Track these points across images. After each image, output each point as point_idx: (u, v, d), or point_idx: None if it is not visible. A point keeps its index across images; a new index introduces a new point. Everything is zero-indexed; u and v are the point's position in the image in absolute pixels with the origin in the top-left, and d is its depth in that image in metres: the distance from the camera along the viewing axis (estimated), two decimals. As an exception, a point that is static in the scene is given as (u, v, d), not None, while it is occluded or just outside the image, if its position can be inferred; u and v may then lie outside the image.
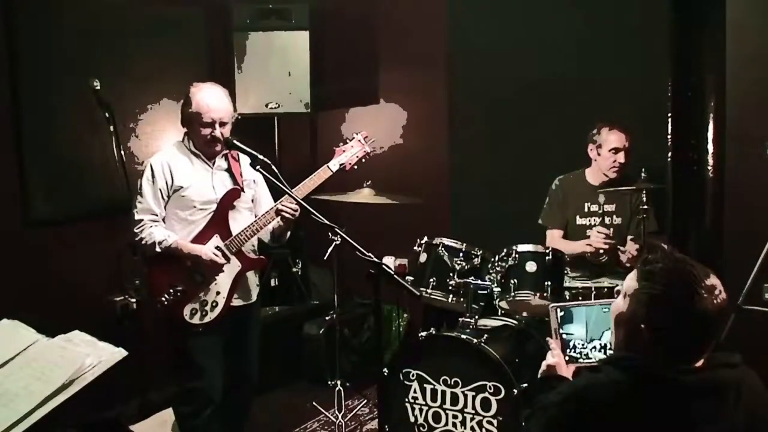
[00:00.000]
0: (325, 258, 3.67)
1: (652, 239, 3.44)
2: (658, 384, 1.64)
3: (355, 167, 3.30)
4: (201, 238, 3.03)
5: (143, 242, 2.99)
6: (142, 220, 3.00)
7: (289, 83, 4.57)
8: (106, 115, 3.64)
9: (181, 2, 4.44)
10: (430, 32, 4.69)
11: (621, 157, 3.68)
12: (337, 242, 3.46)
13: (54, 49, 3.79)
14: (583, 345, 2.18)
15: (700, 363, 1.68)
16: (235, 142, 2.98)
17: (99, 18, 3.98)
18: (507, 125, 4.39)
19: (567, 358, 2.17)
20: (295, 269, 4.74)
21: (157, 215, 3.02)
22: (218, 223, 3.05)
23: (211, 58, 4.51)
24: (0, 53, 3.61)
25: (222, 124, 3.03)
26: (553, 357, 2.17)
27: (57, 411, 1.69)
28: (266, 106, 4.59)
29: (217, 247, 3.00)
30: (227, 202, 3.07)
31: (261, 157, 2.79)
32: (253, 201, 3.21)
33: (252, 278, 3.20)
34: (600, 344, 2.17)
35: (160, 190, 3.01)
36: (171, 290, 2.94)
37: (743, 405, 1.64)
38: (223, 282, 3.04)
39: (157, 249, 2.95)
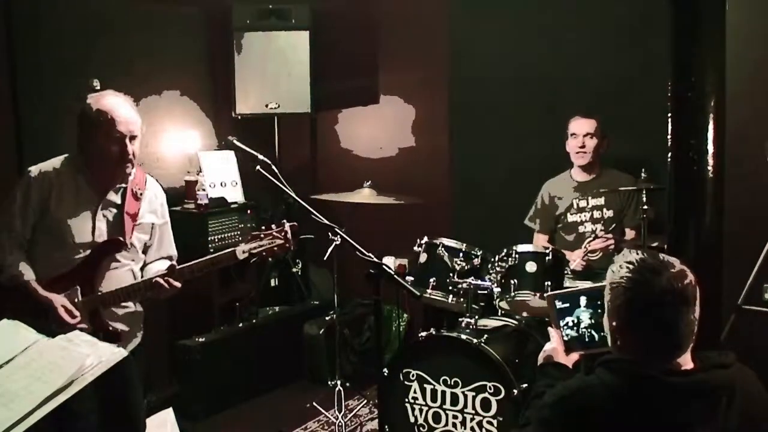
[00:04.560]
0: (325, 258, 3.67)
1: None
2: (649, 387, 1.64)
3: (270, 259, 2.95)
4: (58, 283, 2.50)
5: None
6: None
7: (289, 83, 4.58)
8: (106, 115, 3.63)
9: (181, 2, 4.44)
10: (430, 32, 4.69)
11: (579, 141, 3.75)
12: (337, 242, 3.45)
13: (54, 48, 3.79)
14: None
15: (690, 364, 1.68)
16: (234, 142, 2.90)
17: (99, 18, 3.98)
18: (507, 125, 4.38)
19: (565, 346, 2.17)
20: (295, 269, 4.74)
21: (18, 234, 2.54)
22: (84, 273, 2.53)
23: (211, 58, 4.51)
24: (0, 53, 3.61)
25: (133, 138, 2.58)
26: (552, 344, 2.18)
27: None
28: (266, 106, 4.59)
29: (75, 301, 2.50)
30: (102, 252, 2.56)
31: (261, 157, 2.78)
32: (147, 246, 2.73)
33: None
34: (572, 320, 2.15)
35: (32, 208, 2.55)
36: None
37: (737, 406, 1.64)
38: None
39: (1, 278, 2.49)
